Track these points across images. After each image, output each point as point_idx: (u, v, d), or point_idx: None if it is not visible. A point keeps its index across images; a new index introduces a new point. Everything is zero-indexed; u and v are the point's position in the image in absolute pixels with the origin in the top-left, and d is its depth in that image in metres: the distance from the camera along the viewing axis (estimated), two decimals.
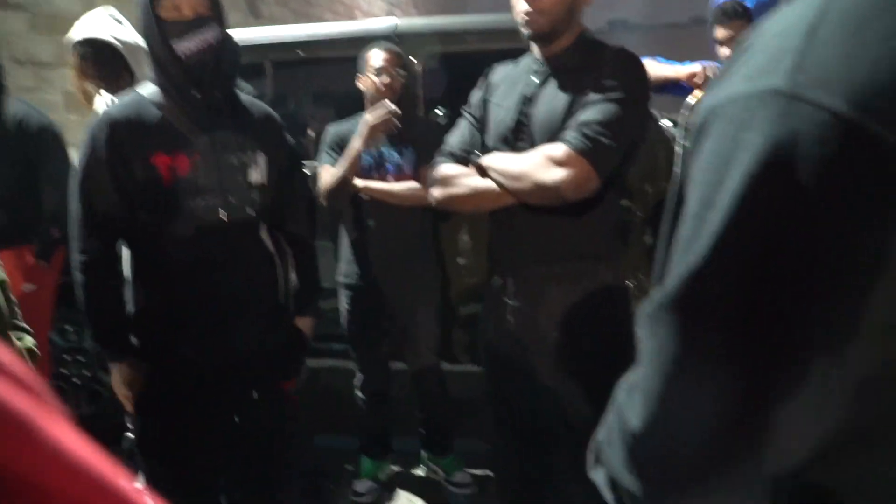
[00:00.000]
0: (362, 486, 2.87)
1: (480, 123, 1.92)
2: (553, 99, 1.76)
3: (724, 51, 2.47)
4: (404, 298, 2.77)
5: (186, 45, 1.73)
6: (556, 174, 1.63)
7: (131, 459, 2.82)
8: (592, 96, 1.69)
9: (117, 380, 1.84)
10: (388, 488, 2.94)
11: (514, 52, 1.98)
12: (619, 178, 1.80)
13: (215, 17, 1.77)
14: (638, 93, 1.75)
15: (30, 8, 4.03)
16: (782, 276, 0.50)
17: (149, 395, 1.84)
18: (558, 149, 1.65)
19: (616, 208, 1.88)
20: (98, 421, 3.29)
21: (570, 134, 1.66)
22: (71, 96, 4.24)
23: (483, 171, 1.80)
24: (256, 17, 6.60)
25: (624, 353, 1.80)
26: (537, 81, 1.81)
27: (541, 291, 1.80)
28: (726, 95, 0.55)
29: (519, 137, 1.80)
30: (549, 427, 1.90)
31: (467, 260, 3.07)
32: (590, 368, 1.79)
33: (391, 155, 2.72)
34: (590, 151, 1.63)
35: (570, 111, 1.72)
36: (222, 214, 1.79)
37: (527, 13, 1.73)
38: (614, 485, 0.65)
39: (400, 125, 2.61)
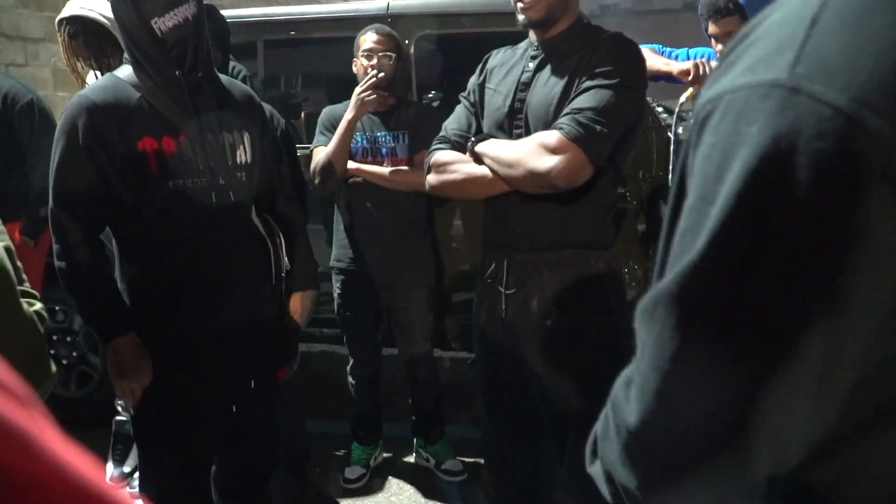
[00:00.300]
0: (353, 472, 2.87)
1: (476, 109, 1.91)
2: (548, 84, 1.75)
3: (719, 45, 2.45)
4: (398, 284, 2.76)
5: (164, 23, 1.67)
6: (549, 161, 1.62)
7: (121, 442, 2.82)
8: (587, 82, 1.67)
9: (124, 362, 1.77)
10: (378, 475, 2.94)
11: (509, 35, 1.96)
12: (615, 165, 1.79)
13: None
14: (634, 79, 1.74)
15: None
16: (780, 272, 0.50)
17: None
18: (551, 136, 1.64)
19: (611, 196, 1.87)
20: (87, 403, 3.28)
21: (564, 121, 1.64)
22: (60, 72, 4.18)
23: (478, 158, 1.79)
24: None
25: (616, 341, 1.82)
26: (533, 67, 1.79)
27: (534, 279, 1.79)
28: (727, 87, 0.54)
29: (514, 123, 1.79)
30: (541, 414, 1.90)
31: (461, 245, 3.06)
32: (582, 356, 1.80)
33: (385, 139, 2.69)
34: (583, 139, 1.61)
35: (564, 97, 1.70)
36: (213, 197, 1.76)
37: (523, 0, 1.71)
38: (610, 478, 0.64)
39: (387, 93, 2.58)
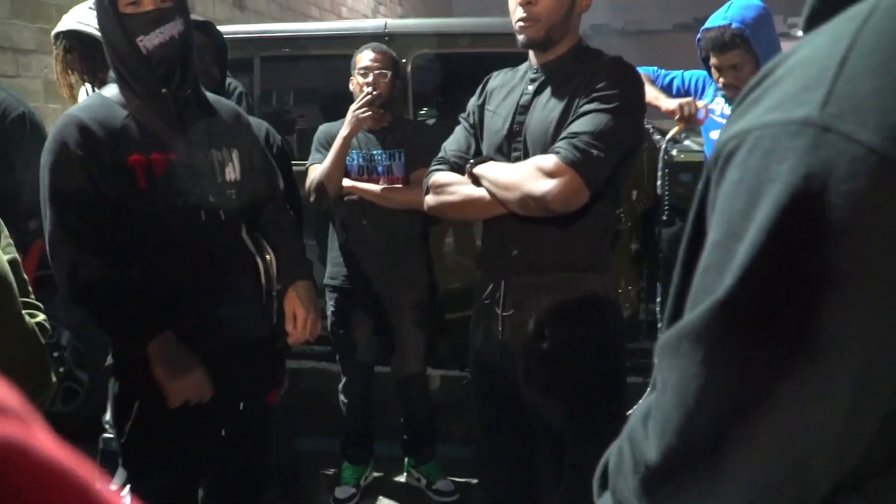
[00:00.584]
0: (343, 492, 2.84)
1: (476, 131, 1.91)
2: (547, 108, 1.75)
3: (721, 78, 2.46)
4: (392, 303, 2.74)
5: (150, 41, 1.66)
6: (546, 185, 1.62)
7: (108, 460, 2.78)
8: (586, 106, 1.67)
9: (172, 362, 1.68)
10: (369, 495, 2.91)
11: (505, 56, 1.97)
12: (614, 189, 1.79)
13: (178, 7, 1.70)
14: (633, 104, 1.74)
15: None
16: (811, 311, 0.50)
17: (133, 403, 1.79)
18: (548, 160, 1.64)
19: (609, 219, 1.87)
20: (73, 419, 3.23)
21: (561, 145, 1.64)
22: (51, 84, 4.15)
23: (476, 180, 1.79)
24: (241, 9, 6.54)
25: (613, 363, 1.82)
26: (532, 89, 1.80)
27: (531, 301, 1.79)
28: (754, 124, 0.54)
29: (513, 146, 1.79)
30: (537, 436, 1.89)
31: (454, 264, 3.06)
32: (579, 378, 1.79)
33: (381, 157, 2.69)
34: (580, 163, 1.61)
35: (563, 120, 1.71)
36: (202, 215, 1.74)
37: (522, 19, 1.71)
38: None
39: (383, 111, 2.58)
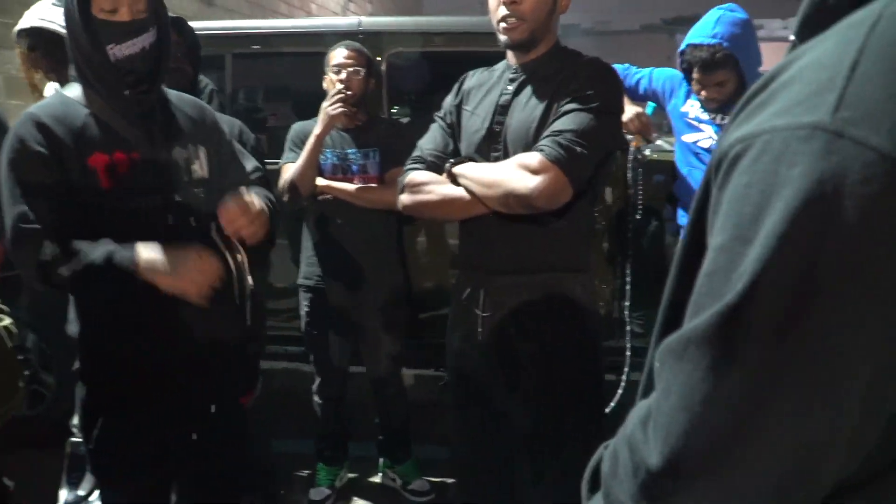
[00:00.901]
0: (318, 493, 2.82)
1: (453, 130, 1.90)
2: (528, 107, 1.75)
3: (704, 92, 2.46)
4: (366, 303, 2.72)
5: (120, 50, 1.62)
6: (530, 182, 1.62)
7: (76, 464, 2.72)
8: (567, 105, 1.68)
9: (163, 262, 1.58)
10: (344, 496, 2.89)
11: (481, 55, 1.96)
12: (593, 189, 1.80)
13: (155, 18, 1.67)
14: (612, 104, 1.76)
15: None
16: (823, 315, 0.50)
17: (102, 408, 1.75)
18: (532, 157, 1.64)
19: (589, 219, 1.88)
20: (40, 423, 3.15)
21: (545, 143, 1.65)
22: (12, 80, 4.05)
23: (454, 179, 1.78)
24: (209, 5, 6.45)
25: (592, 364, 1.82)
26: (512, 90, 1.79)
27: (511, 302, 1.79)
28: (762, 128, 0.54)
29: (493, 146, 1.79)
30: (515, 437, 1.89)
31: (429, 263, 3.05)
32: (558, 379, 1.79)
33: (356, 156, 2.67)
34: (564, 161, 1.61)
35: (544, 120, 1.71)
36: (168, 214, 1.71)
37: (506, 19, 1.71)
38: None
39: (356, 109, 2.56)
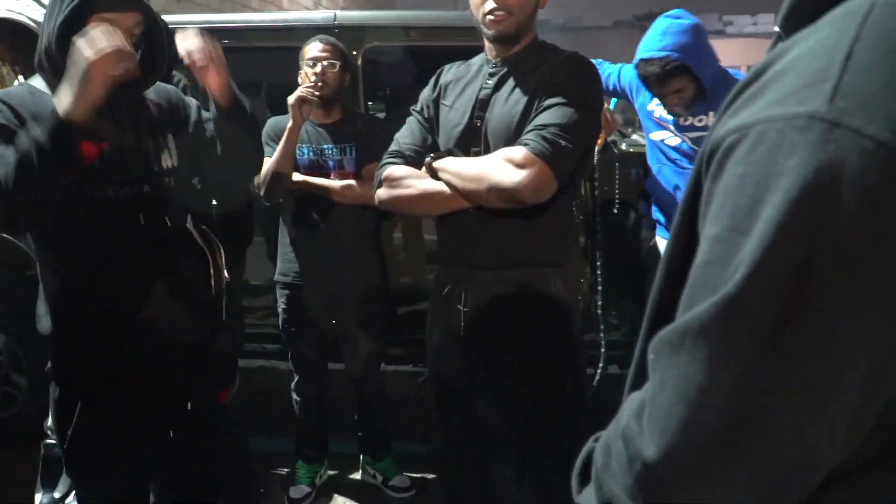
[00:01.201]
0: (298, 491, 2.80)
1: (430, 124, 1.89)
2: (509, 102, 1.75)
3: (668, 102, 2.48)
4: (344, 299, 2.71)
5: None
6: (515, 176, 1.61)
7: (51, 467, 2.68)
8: (550, 100, 1.68)
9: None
10: (324, 493, 2.87)
11: (457, 49, 1.95)
12: (573, 183, 1.80)
13: (147, 47, 1.67)
14: (593, 98, 1.77)
15: None
16: (822, 305, 0.50)
17: (75, 407, 1.72)
18: (517, 151, 1.63)
19: (569, 214, 1.88)
20: (11, 425, 3.11)
21: (529, 136, 1.64)
22: None
23: (434, 173, 1.76)
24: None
25: (573, 358, 1.82)
26: (492, 84, 1.79)
27: (492, 297, 1.78)
28: (756, 118, 0.54)
29: (473, 141, 1.78)
30: (497, 432, 1.89)
31: (408, 259, 3.04)
32: (540, 374, 1.80)
33: (332, 151, 2.65)
34: (549, 154, 1.61)
35: (526, 114, 1.71)
36: (138, 206, 1.68)
37: (493, 12, 1.70)
38: None
39: (322, 95, 2.51)
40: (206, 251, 1.88)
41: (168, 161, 1.75)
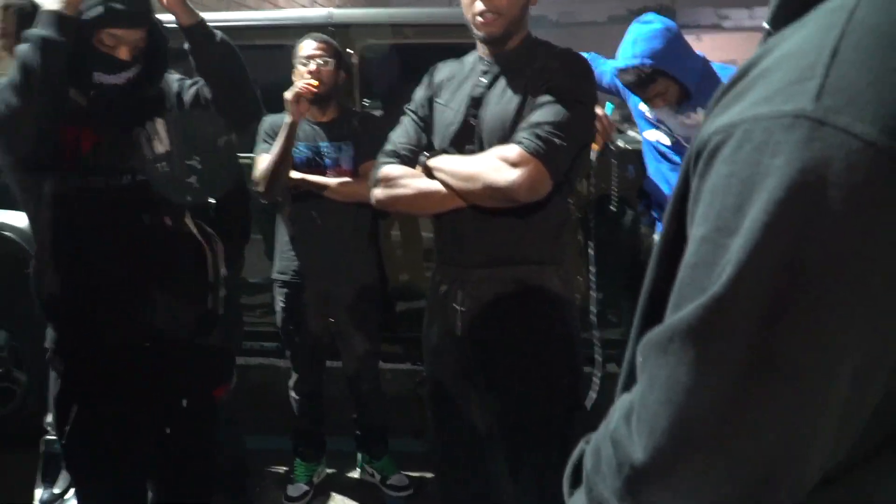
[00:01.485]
0: (296, 490, 2.80)
1: (425, 123, 1.88)
2: (502, 100, 1.74)
3: (652, 106, 2.49)
4: (342, 297, 2.71)
5: (105, 78, 1.66)
6: (510, 175, 1.61)
7: (50, 462, 2.69)
8: (543, 97, 1.67)
9: None
10: (322, 492, 2.88)
11: (453, 47, 1.95)
12: (569, 181, 1.80)
13: (149, 57, 1.71)
14: (587, 95, 1.76)
15: None
16: (809, 306, 0.49)
17: (74, 399, 1.74)
18: (511, 150, 1.63)
19: (565, 212, 1.88)
20: (11, 421, 3.12)
21: (523, 135, 1.64)
22: None
23: (430, 173, 1.76)
24: None
25: (570, 356, 1.82)
26: (486, 82, 1.78)
27: (489, 295, 1.78)
28: (742, 117, 0.53)
29: (468, 140, 1.77)
30: (493, 432, 1.89)
31: (405, 257, 3.04)
32: (537, 373, 1.79)
33: (329, 149, 2.65)
34: (543, 153, 1.61)
35: (520, 113, 1.70)
36: (131, 196, 1.70)
37: (481, 13, 1.70)
38: None
39: (317, 92, 2.51)
40: (205, 245, 1.88)
41: (160, 147, 1.76)
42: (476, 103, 1.77)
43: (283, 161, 2.53)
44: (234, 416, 2.64)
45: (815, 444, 0.52)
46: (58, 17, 1.54)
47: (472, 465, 1.95)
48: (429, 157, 1.77)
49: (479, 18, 1.70)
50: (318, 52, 2.56)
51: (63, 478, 2.67)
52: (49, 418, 2.47)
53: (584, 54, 2.93)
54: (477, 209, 1.71)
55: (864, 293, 0.49)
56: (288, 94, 2.45)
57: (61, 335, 1.75)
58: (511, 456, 1.86)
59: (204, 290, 1.88)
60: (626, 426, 0.59)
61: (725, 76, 2.22)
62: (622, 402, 0.63)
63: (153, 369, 1.75)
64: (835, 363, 0.50)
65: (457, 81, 1.85)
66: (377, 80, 3.26)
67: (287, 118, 2.49)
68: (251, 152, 2.70)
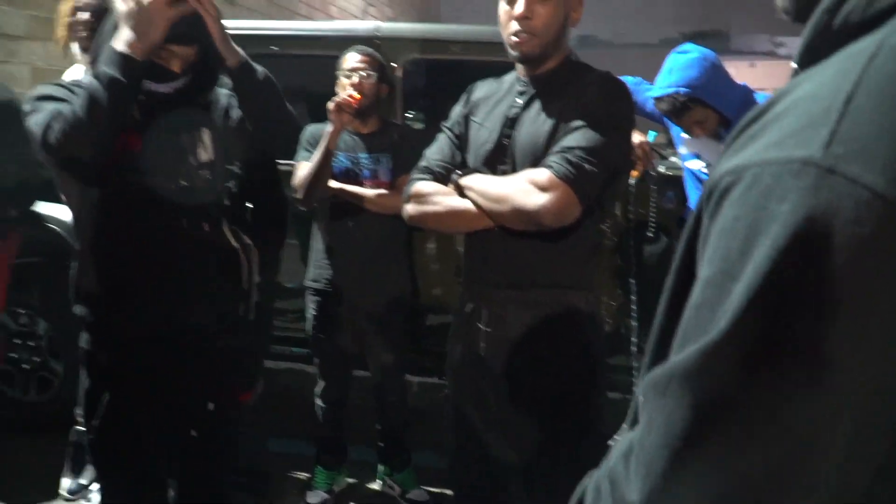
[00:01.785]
0: (315, 497, 2.81)
1: (460, 141, 1.89)
2: (537, 122, 1.74)
3: (691, 134, 2.47)
4: (373, 308, 2.73)
5: (155, 86, 1.72)
6: (538, 199, 1.60)
7: (78, 453, 2.75)
8: (577, 121, 1.66)
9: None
10: (341, 501, 2.89)
11: (496, 64, 1.96)
12: (600, 205, 1.79)
13: (199, 70, 1.76)
14: (623, 120, 1.75)
15: None
16: (807, 358, 0.48)
17: (103, 395, 1.77)
18: (541, 174, 1.62)
19: (596, 236, 1.86)
20: (46, 409, 3.20)
21: (554, 159, 1.63)
22: (39, 71, 4.10)
23: (461, 191, 1.76)
24: (231, 4, 6.50)
25: (593, 383, 1.80)
26: (521, 103, 1.78)
27: (514, 317, 1.77)
28: (753, 160, 0.52)
29: (501, 160, 1.77)
30: (513, 454, 1.88)
31: (437, 270, 3.05)
32: (559, 398, 1.78)
33: (368, 161, 2.68)
34: (573, 178, 1.60)
35: (553, 135, 1.69)
36: (173, 200, 1.73)
37: (517, 34, 1.70)
38: None
39: (359, 104, 2.54)
40: (241, 253, 1.91)
41: (204, 155, 1.80)
42: (511, 123, 1.77)
43: (323, 170, 2.56)
44: (261, 419, 2.67)
45: (812, 497, 0.51)
46: (126, 60, 1.59)
47: (491, 487, 1.93)
48: (461, 176, 1.77)
49: (514, 38, 1.70)
50: (362, 65, 2.60)
51: (89, 469, 2.73)
52: (79, 410, 2.52)
53: (630, 79, 2.94)
54: (506, 230, 1.71)
55: (863, 348, 0.48)
56: (330, 105, 2.49)
57: (95, 332, 1.79)
58: (527, 480, 1.84)
59: (236, 296, 1.91)
60: (625, 466, 0.59)
61: None
62: (624, 440, 0.63)
63: (182, 371, 1.78)
64: (830, 416, 0.49)
65: (493, 101, 1.85)
66: (420, 95, 3.30)
67: (328, 128, 2.53)
68: (291, 160, 2.74)
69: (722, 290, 0.52)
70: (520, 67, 1.81)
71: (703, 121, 2.37)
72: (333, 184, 2.64)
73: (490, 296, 1.79)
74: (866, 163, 0.47)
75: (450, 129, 1.91)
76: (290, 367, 3.59)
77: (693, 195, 2.69)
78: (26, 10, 4.03)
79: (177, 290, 1.75)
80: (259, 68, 1.83)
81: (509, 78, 1.87)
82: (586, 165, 1.61)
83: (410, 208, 1.84)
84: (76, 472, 2.82)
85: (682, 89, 2.31)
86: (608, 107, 1.69)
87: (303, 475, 3.00)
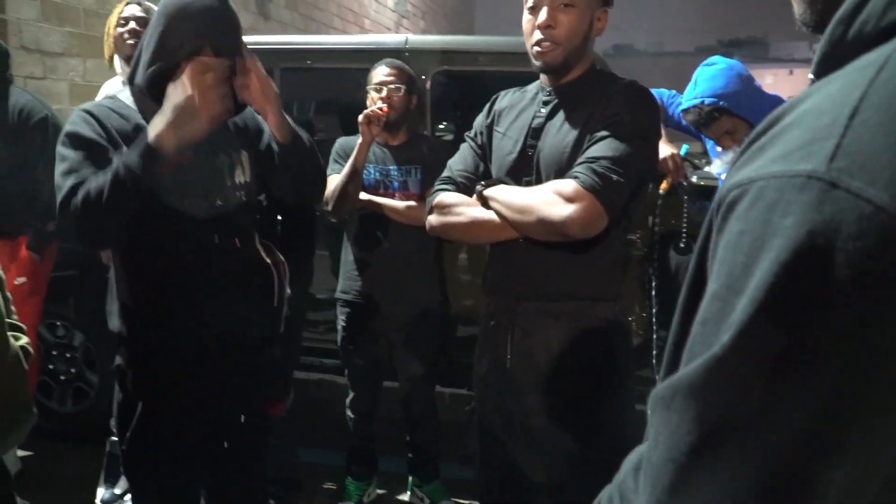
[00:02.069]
0: None
1: (484, 151, 1.88)
2: (561, 132, 1.73)
3: (721, 145, 2.47)
4: (403, 319, 2.73)
5: None
6: (564, 210, 1.59)
7: (113, 463, 2.80)
8: (603, 131, 1.65)
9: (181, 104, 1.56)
10: None
11: (524, 75, 1.96)
12: (627, 216, 1.77)
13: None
14: (649, 129, 1.73)
15: None
16: (808, 373, 0.48)
17: (136, 406, 1.80)
18: (567, 184, 1.61)
19: (620, 247, 1.84)
20: (82, 420, 3.26)
21: (580, 169, 1.62)
22: (77, 87, 4.21)
23: (485, 202, 1.76)
24: (266, 19, 6.61)
25: (620, 395, 1.78)
26: (545, 113, 1.77)
27: (540, 329, 1.76)
28: (759, 174, 0.52)
29: (525, 170, 1.76)
30: (539, 466, 1.86)
31: (466, 282, 3.05)
32: (585, 410, 1.76)
33: (397, 173, 2.70)
34: (599, 188, 1.59)
35: (578, 145, 1.68)
36: (210, 219, 1.74)
37: (540, 43, 1.70)
38: None
39: (387, 117, 2.55)
40: (272, 267, 1.93)
41: (241, 177, 1.82)
42: (535, 134, 1.76)
43: (353, 181, 2.58)
44: (291, 429, 2.69)
45: None
46: (152, 154, 1.57)
47: (517, 498, 1.92)
48: (485, 187, 1.76)
49: (537, 48, 1.70)
50: (391, 79, 2.62)
51: (124, 480, 2.77)
52: (114, 421, 2.57)
53: (665, 91, 2.92)
54: (531, 241, 1.70)
55: (867, 363, 0.47)
56: (360, 118, 2.51)
57: (130, 347, 1.81)
58: (555, 493, 1.83)
59: (268, 311, 1.92)
60: (634, 479, 0.59)
61: None
62: (635, 453, 0.63)
63: (214, 384, 1.79)
64: (835, 430, 0.48)
65: (517, 110, 1.85)
66: (449, 106, 3.31)
67: (358, 140, 2.55)
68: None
69: (726, 304, 0.52)
70: (544, 77, 1.81)
71: (733, 131, 2.36)
72: (363, 195, 2.66)
73: (516, 308, 1.78)
74: (870, 177, 0.47)
75: (473, 140, 1.91)
76: (322, 377, 3.62)
77: None
78: (65, 28, 4.14)
79: (210, 306, 1.77)
80: (304, 135, 1.85)
81: (533, 87, 1.86)
82: (613, 176, 1.59)
83: (433, 219, 1.84)
84: (111, 482, 2.86)
85: (708, 99, 2.32)
86: (634, 116, 1.68)
87: (333, 486, 3.01)
